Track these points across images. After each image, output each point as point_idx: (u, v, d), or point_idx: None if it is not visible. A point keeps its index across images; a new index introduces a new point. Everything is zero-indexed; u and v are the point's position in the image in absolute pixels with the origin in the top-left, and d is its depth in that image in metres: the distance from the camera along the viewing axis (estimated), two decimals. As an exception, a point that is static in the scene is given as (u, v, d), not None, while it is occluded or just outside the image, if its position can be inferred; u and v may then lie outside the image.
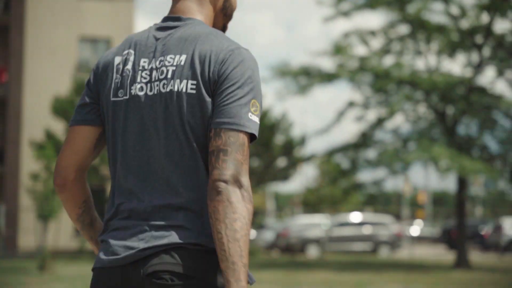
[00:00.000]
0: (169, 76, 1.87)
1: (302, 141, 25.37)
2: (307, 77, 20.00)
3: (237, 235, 1.70)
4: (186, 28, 1.93)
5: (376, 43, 20.67)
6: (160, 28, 1.97)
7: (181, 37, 1.91)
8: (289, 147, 24.77)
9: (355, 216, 28.94)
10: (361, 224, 28.10)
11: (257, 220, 54.32)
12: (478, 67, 19.42)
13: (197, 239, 1.80)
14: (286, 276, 15.47)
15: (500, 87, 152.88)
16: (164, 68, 1.88)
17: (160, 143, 1.86)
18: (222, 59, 1.85)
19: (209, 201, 1.75)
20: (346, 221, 28.42)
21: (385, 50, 20.27)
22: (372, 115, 20.70)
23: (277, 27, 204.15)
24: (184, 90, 1.84)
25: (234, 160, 1.77)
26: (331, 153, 20.66)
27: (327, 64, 23.03)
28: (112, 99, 1.94)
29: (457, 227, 20.07)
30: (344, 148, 20.44)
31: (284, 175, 25.52)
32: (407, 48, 20.53)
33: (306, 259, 24.26)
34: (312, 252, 26.44)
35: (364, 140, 20.29)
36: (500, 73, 19.53)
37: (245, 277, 1.68)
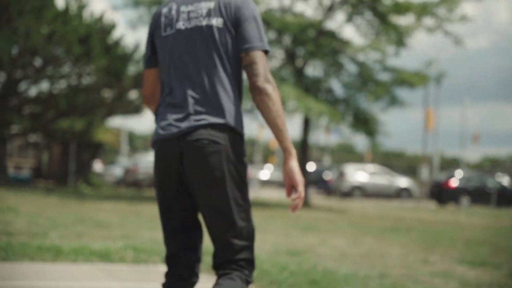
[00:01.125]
0: (203, 15, 2.81)
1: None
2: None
3: (278, 113, 2.78)
4: None
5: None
6: None
7: None
8: (141, 80, 24.23)
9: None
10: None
11: (109, 157, 53.49)
12: (329, 11, 19.78)
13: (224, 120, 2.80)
14: (128, 206, 15.27)
15: (348, 32, 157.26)
16: (199, 10, 2.82)
17: (198, 58, 2.82)
18: (239, 6, 2.80)
19: (256, 96, 2.78)
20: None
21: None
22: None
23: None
24: (215, 24, 2.79)
25: (262, 67, 2.79)
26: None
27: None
28: (163, 34, 2.89)
29: (300, 168, 20.64)
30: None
31: (135, 108, 25.02)
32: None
33: (152, 194, 24.13)
34: (160, 188, 26.38)
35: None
36: (349, 18, 20.01)
37: (288, 137, 2.83)
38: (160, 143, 2.83)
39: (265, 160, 56.00)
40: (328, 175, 34.87)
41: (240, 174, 2.83)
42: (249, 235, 2.88)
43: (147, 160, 29.48)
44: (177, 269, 2.95)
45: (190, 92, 2.80)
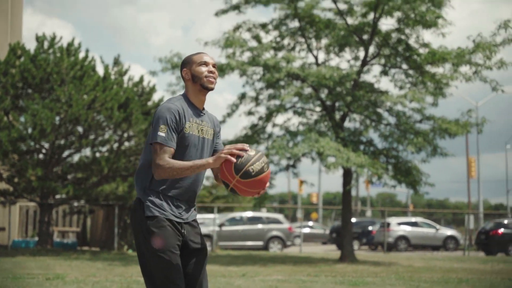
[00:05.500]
0: None
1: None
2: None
3: (179, 172, 3.77)
4: None
5: (268, 37, 20.85)
6: None
7: None
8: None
9: (248, 214, 29.09)
10: (253, 221, 28.30)
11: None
12: (365, 64, 19.88)
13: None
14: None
15: (385, 83, 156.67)
16: None
17: None
18: None
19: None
20: (239, 217, 28.54)
21: (276, 46, 20.43)
22: (262, 109, 20.84)
23: (173, 28, 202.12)
24: None
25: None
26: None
27: (220, 58, 23.16)
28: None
29: (342, 220, 20.42)
30: (235, 142, 20.42)
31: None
32: (298, 43, 20.79)
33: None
34: (203, 248, 26.29)
35: (255, 134, 20.34)
36: (385, 70, 20.07)
37: None
38: None
39: (307, 215, 55.63)
40: (371, 227, 34.42)
41: None
42: None
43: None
44: None
45: None
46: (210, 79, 3.90)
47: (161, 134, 3.70)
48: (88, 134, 22.75)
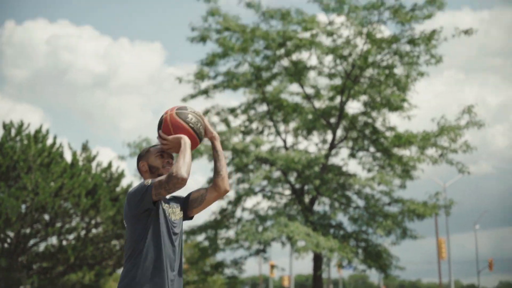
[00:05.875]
0: None
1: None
2: (167, 156, 19.78)
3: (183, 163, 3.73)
4: None
5: (237, 121, 21.02)
6: None
7: None
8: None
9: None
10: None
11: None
12: (333, 147, 20.07)
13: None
14: None
15: (353, 166, 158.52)
16: None
17: None
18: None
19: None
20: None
21: (244, 130, 20.58)
22: (231, 193, 20.74)
23: (143, 112, 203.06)
24: None
25: None
26: (191, 232, 20.35)
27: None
28: None
29: (315, 307, 20.10)
30: (204, 227, 20.22)
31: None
32: (266, 126, 20.98)
33: None
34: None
35: (224, 218, 20.18)
36: (352, 153, 20.26)
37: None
38: None
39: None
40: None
41: None
42: None
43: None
44: None
45: None
46: (168, 169, 3.86)
47: (148, 181, 3.69)
48: (55, 222, 22.35)
